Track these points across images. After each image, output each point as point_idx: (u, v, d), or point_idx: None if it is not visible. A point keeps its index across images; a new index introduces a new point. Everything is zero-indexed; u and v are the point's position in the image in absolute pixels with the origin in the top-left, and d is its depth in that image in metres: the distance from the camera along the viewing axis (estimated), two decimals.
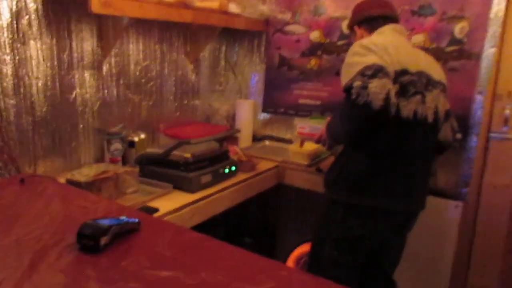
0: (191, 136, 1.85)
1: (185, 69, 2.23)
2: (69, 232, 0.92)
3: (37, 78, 1.55)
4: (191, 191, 1.61)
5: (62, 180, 1.49)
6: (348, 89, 1.26)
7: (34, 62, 1.54)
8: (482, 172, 1.90)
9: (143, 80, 1.99)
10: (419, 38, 1.93)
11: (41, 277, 0.78)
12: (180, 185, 1.63)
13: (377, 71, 1.24)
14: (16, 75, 1.49)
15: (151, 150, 1.75)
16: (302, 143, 2.09)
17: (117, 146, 1.78)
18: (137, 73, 1.96)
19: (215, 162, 1.76)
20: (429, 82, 1.41)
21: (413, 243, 1.69)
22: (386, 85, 1.23)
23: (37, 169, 1.60)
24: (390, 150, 1.38)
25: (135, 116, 1.98)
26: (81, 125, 1.75)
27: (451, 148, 1.61)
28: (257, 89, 2.55)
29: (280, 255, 2.27)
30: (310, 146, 2.07)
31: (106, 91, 1.82)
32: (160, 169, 1.68)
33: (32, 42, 1.52)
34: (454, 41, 1.85)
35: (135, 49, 1.93)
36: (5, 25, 1.43)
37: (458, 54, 1.85)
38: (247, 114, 2.42)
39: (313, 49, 2.26)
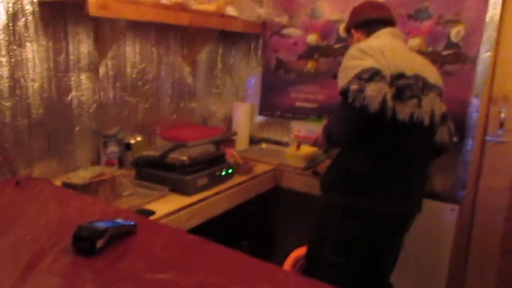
0: (187, 139, 1.86)
1: (182, 71, 2.24)
2: (65, 235, 0.92)
3: (33, 80, 1.55)
4: (188, 194, 1.62)
5: (58, 182, 1.49)
6: (344, 92, 1.27)
7: (30, 64, 1.54)
8: (478, 175, 1.91)
9: (139, 83, 2.00)
10: (415, 41, 1.94)
11: (37, 280, 0.78)
12: (177, 188, 1.63)
13: (373, 75, 1.25)
14: (12, 77, 1.49)
15: (148, 152, 1.75)
16: (299, 146, 2.10)
17: (113, 148, 1.78)
18: (134, 75, 1.96)
19: (211, 165, 1.77)
20: (425, 86, 1.42)
21: (410, 246, 1.69)
22: (383, 89, 1.24)
23: (32, 171, 1.59)
24: (387, 151, 1.39)
25: (132, 119, 1.98)
26: (77, 128, 1.75)
27: (448, 151, 1.62)
28: (254, 92, 2.56)
29: (277, 258, 2.27)
30: (306, 149, 2.08)
31: (102, 93, 1.82)
32: (157, 171, 1.68)
33: (28, 44, 1.52)
34: (450, 45, 1.87)
35: (131, 52, 1.93)
36: (1, 27, 1.44)
37: (454, 58, 1.86)
38: (244, 117, 2.43)
39: (310, 52, 2.28)
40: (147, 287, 0.78)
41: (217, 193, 1.72)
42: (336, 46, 2.20)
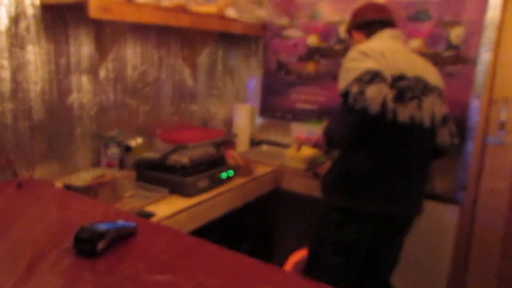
0: (188, 141, 1.86)
1: (182, 73, 2.25)
2: (66, 236, 0.93)
3: (35, 83, 1.56)
4: (188, 195, 1.62)
5: (59, 184, 1.50)
6: (345, 94, 1.28)
7: (32, 67, 1.55)
8: (478, 177, 1.92)
9: (140, 85, 2.01)
10: (415, 43, 1.95)
11: (38, 281, 0.78)
12: (177, 190, 1.63)
13: (374, 77, 1.25)
14: (14, 79, 1.50)
15: (148, 154, 1.76)
16: (300, 147, 2.10)
17: (114, 150, 1.79)
18: (135, 77, 1.97)
19: (212, 166, 1.77)
20: (425, 87, 1.42)
21: (410, 247, 1.70)
22: (383, 90, 1.24)
23: (34, 173, 1.60)
24: (387, 151, 1.39)
25: (132, 121, 1.99)
26: (78, 130, 1.76)
27: (449, 153, 1.63)
28: (254, 93, 2.56)
29: (278, 260, 2.27)
30: (307, 151, 2.08)
31: (103, 95, 1.83)
32: (157, 173, 1.69)
33: (30, 47, 1.53)
34: (450, 46, 1.88)
35: (132, 54, 1.94)
36: (3, 30, 1.45)
37: (455, 59, 1.87)
38: (245, 119, 2.43)
39: (311, 54, 2.28)
40: None
41: (217, 195, 1.72)
42: (337, 47, 2.21)
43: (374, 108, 1.22)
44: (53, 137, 1.66)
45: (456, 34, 1.86)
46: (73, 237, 0.89)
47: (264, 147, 2.52)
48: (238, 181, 1.88)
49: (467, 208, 1.92)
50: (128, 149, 1.86)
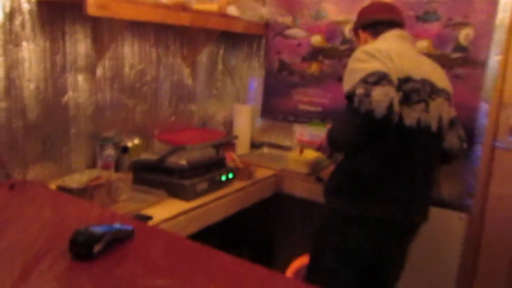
0: (186, 142, 1.88)
1: (181, 73, 2.26)
2: (61, 239, 0.94)
3: (29, 81, 1.58)
4: (186, 199, 1.63)
5: (53, 186, 1.51)
6: (350, 96, 1.29)
7: (26, 65, 1.56)
8: (487, 183, 1.92)
9: (137, 84, 2.02)
10: (423, 44, 1.97)
11: (34, 286, 0.79)
12: (175, 193, 1.65)
13: (380, 78, 1.26)
14: (7, 77, 1.51)
15: (145, 156, 1.77)
16: (302, 150, 2.11)
17: (110, 151, 1.80)
18: (132, 77, 1.99)
19: (211, 169, 1.78)
20: (433, 90, 1.44)
21: (416, 256, 1.70)
22: (390, 93, 1.25)
23: (27, 174, 1.61)
24: (392, 156, 1.40)
25: (129, 121, 2.00)
26: (73, 130, 1.77)
27: (458, 157, 1.64)
28: (255, 94, 2.58)
29: (279, 267, 2.28)
30: (310, 154, 2.09)
31: (99, 95, 1.85)
32: (154, 176, 1.70)
33: (24, 44, 1.54)
34: (458, 48, 1.89)
35: (130, 52, 1.96)
36: None
37: (463, 61, 1.89)
38: (245, 120, 2.45)
39: (314, 54, 2.30)
40: None
41: (216, 199, 1.73)
42: (342, 47, 2.22)
43: (380, 111, 1.22)
44: (47, 137, 1.68)
45: (464, 35, 1.87)
46: (69, 240, 0.91)
47: (265, 150, 2.53)
48: (238, 184, 1.89)
49: (475, 216, 1.93)
50: (124, 150, 1.87)
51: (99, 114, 1.86)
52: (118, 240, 0.97)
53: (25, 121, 1.59)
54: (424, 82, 1.41)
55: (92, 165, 1.84)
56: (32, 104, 1.61)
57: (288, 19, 2.36)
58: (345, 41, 2.21)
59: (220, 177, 1.81)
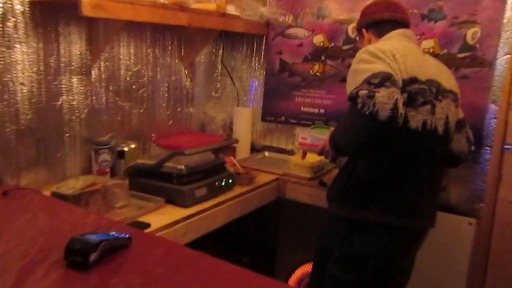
0: (185, 147, 1.88)
1: (179, 74, 2.27)
2: (56, 248, 0.94)
3: (22, 84, 1.59)
4: (185, 205, 1.64)
5: (47, 192, 1.51)
6: (353, 97, 1.29)
7: (19, 67, 1.57)
8: (496, 187, 1.92)
9: (134, 86, 2.03)
10: (429, 43, 1.97)
11: None
12: (173, 199, 1.65)
13: (384, 80, 1.27)
14: (0, 80, 1.52)
15: (142, 161, 1.77)
16: (304, 154, 2.11)
17: (105, 156, 1.81)
18: (128, 78, 1.99)
19: (210, 174, 1.79)
20: (439, 91, 1.44)
21: (423, 263, 1.70)
22: (394, 95, 1.25)
23: (20, 181, 1.62)
24: (398, 159, 1.41)
25: (125, 125, 2.01)
26: (68, 134, 1.78)
27: (467, 160, 1.64)
28: (256, 96, 2.58)
29: (280, 276, 2.28)
30: (312, 158, 2.09)
31: (94, 98, 1.85)
32: (152, 181, 1.70)
33: (17, 46, 1.55)
34: (465, 47, 1.90)
35: (126, 53, 1.97)
36: None
37: (470, 61, 1.89)
38: (245, 123, 2.45)
39: (317, 54, 2.30)
40: None
41: (216, 205, 1.73)
42: (345, 47, 2.23)
43: (384, 113, 1.23)
44: (40, 142, 1.68)
45: (472, 34, 1.88)
46: (64, 248, 0.91)
47: (266, 154, 2.53)
48: (238, 190, 1.89)
49: (484, 220, 1.93)
50: (120, 155, 1.88)
51: (94, 118, 1.86)
52: (114, 248, 0.98)
53: (18, 125, 1.60)
54: (430, 83, 1.42)
55: (87, 170, 1.85)
56: (25, 108, 1.61)
57: (289, 18, 2.36)
58: (348, 40, 2.21)
59: (220, 182, 1.82)
